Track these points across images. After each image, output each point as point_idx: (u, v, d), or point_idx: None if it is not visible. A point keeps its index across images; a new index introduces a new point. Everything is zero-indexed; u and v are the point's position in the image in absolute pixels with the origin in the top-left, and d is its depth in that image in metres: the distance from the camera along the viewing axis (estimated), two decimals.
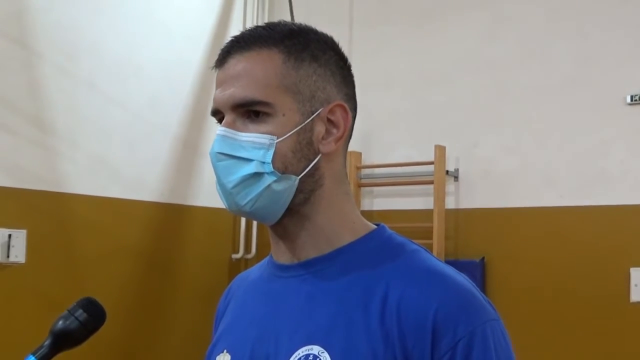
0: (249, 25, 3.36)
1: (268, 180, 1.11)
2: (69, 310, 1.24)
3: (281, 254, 1.20)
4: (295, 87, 1.13)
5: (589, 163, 4.00)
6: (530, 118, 4.18)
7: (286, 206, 1.14)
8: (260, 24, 1.24)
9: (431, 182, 4.30)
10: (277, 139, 1.11)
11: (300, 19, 4.76)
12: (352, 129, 1.21)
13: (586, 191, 4.00)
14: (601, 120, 4.00)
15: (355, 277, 1.13)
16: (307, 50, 1.15)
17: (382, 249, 1.16)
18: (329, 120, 1.16)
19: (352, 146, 4.89)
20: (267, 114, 1.12)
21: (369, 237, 1.18)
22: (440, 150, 4.28)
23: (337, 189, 1.18)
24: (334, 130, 1.16)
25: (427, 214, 4.32)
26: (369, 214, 4.59)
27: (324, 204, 1.16)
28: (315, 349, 1.08)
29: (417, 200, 4.48)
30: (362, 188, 4.67)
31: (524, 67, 4.22)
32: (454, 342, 1.04)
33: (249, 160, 1.11)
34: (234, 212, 1.16)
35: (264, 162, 1.11)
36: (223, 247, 4.82)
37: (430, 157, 4.28)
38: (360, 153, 4.64)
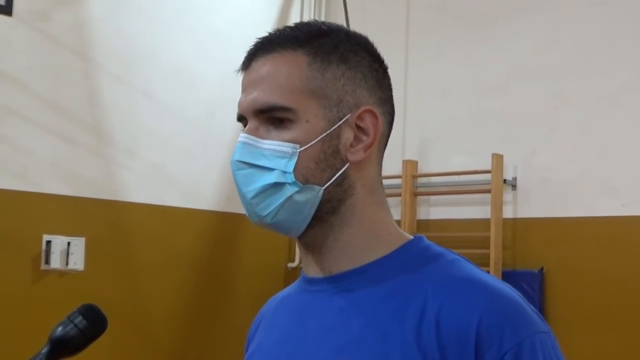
0: None
1: (290, 190, 1.05)
2: (68, 317, 1.20)
3: (311, 267, 1.14)
4: (322, 91, 1.06)
5: None
6: (590, 125, 4.08)
7: (310, 218, 1.07)
8: None
9: (488, 191, 4.23)
10: (300, 147, 1.05)
11: (357, 26, 4.75)
12: (389, 134, 1.14)
13: None
14: None
15: (390, 289, 1.06)
16: (335, 51, 1.08)
17: (419, 259, 1.08)
18: (358, 126, 1.08)
19: (408, 154, 4.85)
20: (290, 121, 1.06)
21: (405, 248, 1.10)
22: (498, 159, 4.22)
23: (370, 199, 1.10)
24: (364, 137, 1.09)
25: (484, 223, 4.25)
26: (425, 223, 4.55)
27: (356, 215, 1.09)
28: None
29: (474, 209, 4.42)
30: (418, 197, 4.62)
31: (582, 73, 4.13)
32: (499, 356, 0.97)
33: (270, 169, 1.05)
34: (256, 224, 1.09)
35: (285, 172, 1.05)
36: (279, 255, 4.83)
37: (488, 166, 4.22)
38: (417, 161, 4.59)
